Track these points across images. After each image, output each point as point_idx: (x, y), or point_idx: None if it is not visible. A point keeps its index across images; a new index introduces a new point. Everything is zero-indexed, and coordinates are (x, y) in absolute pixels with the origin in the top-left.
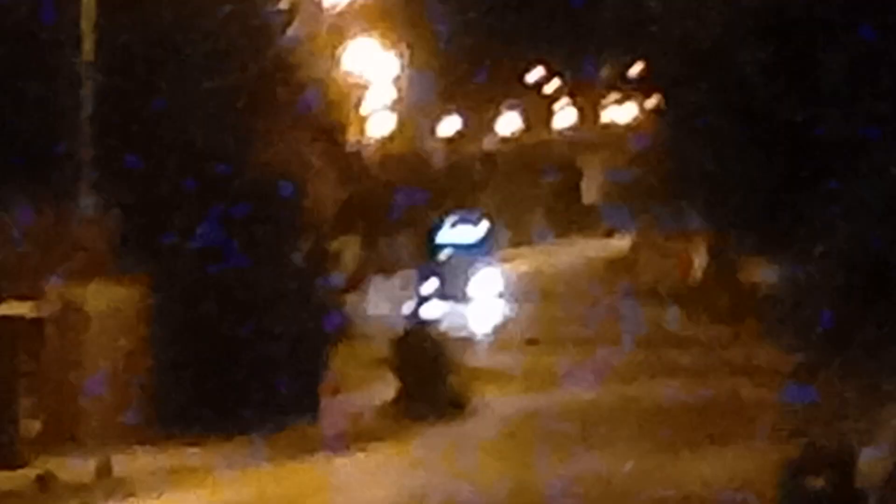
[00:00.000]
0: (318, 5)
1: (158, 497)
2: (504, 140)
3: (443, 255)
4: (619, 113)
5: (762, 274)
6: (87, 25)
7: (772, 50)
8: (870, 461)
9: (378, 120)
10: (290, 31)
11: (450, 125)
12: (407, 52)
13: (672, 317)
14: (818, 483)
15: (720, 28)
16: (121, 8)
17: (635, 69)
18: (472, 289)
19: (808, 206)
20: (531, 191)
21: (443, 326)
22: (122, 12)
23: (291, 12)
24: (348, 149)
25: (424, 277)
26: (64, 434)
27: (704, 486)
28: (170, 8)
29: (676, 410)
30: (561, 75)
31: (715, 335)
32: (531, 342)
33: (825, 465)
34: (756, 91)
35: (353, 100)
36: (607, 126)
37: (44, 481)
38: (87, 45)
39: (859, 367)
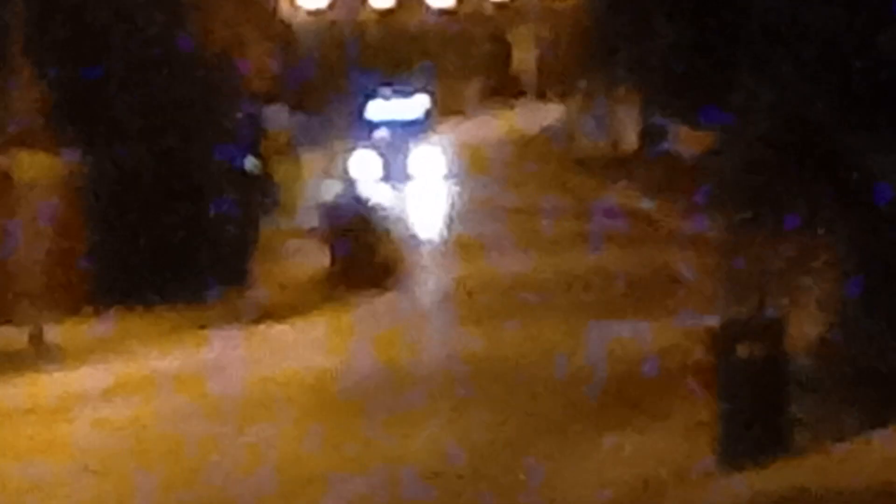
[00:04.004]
0: None
1: (89, 365)
2: (437, 12)
3: (377, 131)
4: None
5: (693, 143)
6: None
7: None
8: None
9: None
10: None
11: None
12: None
13: (606, 186)
14: (748, 351)
15: None
16: None
17: None
18: (407, 165)
19: (734, 73)
20: (463, 62)
21: (376, 200)
22: None
23: None
24: (279, 20)
25: (357, 151)
26: None
27: (635, 356)
28: None
29: (609, 281)
30: None
31: (648, 206)
32: (464, 215)
33: (755, 334)
34: None
35: None
36: None
37: None
38: None
39: (787, 236)
